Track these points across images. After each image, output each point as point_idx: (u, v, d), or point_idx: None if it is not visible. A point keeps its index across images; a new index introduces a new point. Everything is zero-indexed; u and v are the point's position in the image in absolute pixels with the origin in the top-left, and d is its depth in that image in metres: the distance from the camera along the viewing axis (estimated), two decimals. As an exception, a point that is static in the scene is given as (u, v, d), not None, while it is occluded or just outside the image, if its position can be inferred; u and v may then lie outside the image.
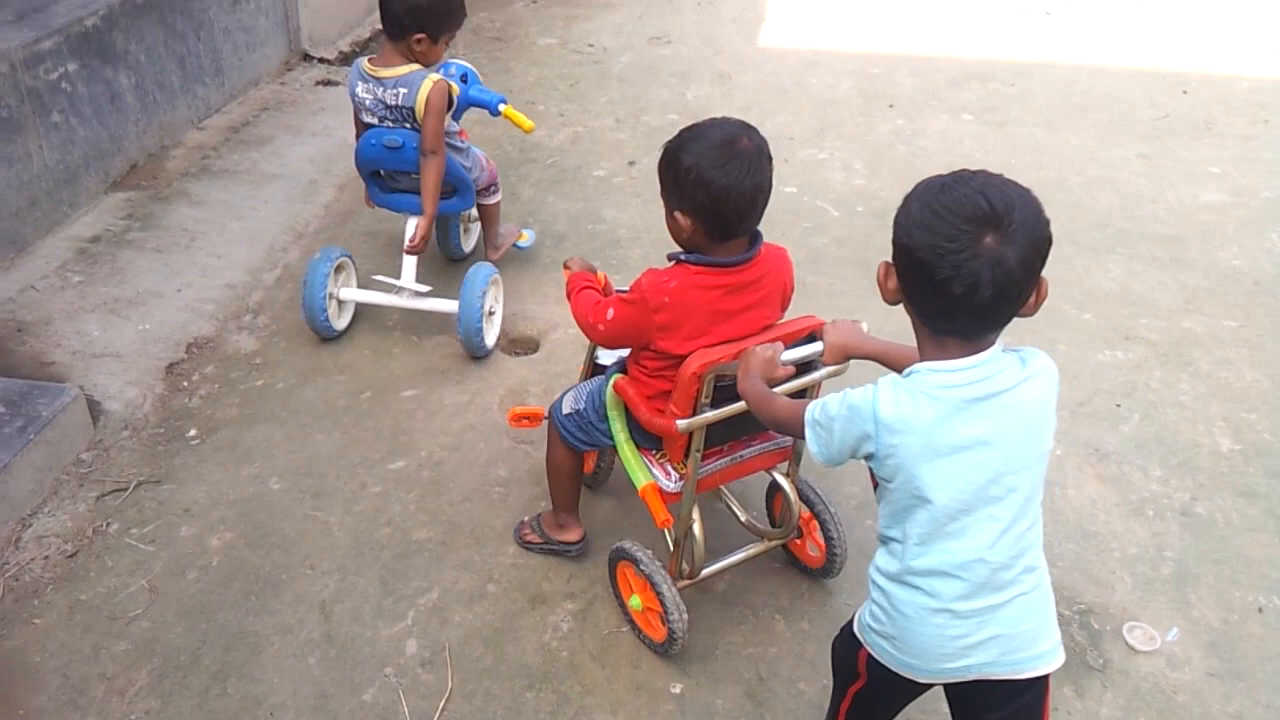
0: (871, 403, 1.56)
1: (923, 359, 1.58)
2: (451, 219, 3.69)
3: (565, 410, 2.44)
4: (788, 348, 2.06)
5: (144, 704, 2.21)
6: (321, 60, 5.42)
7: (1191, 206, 4.50)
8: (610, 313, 2.16)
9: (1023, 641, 1.64)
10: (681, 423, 2.08)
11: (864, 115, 5.23)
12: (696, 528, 2.29)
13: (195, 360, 3.25)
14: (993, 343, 1.55)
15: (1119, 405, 3.26)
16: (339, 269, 3.36)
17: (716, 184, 1.96)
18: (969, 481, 1.55)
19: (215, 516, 2.69)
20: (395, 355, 3.34)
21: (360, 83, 3.12)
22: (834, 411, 1.62)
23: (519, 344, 3.44)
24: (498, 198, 3.61)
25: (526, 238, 3.78)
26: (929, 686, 1.74)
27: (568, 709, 2.25)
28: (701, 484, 2.30)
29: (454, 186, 3.30)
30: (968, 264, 1.45)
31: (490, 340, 3.34)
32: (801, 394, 2.17)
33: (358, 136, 3.20)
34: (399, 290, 3.35)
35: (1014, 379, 1.55)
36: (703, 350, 2.05)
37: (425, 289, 3.35)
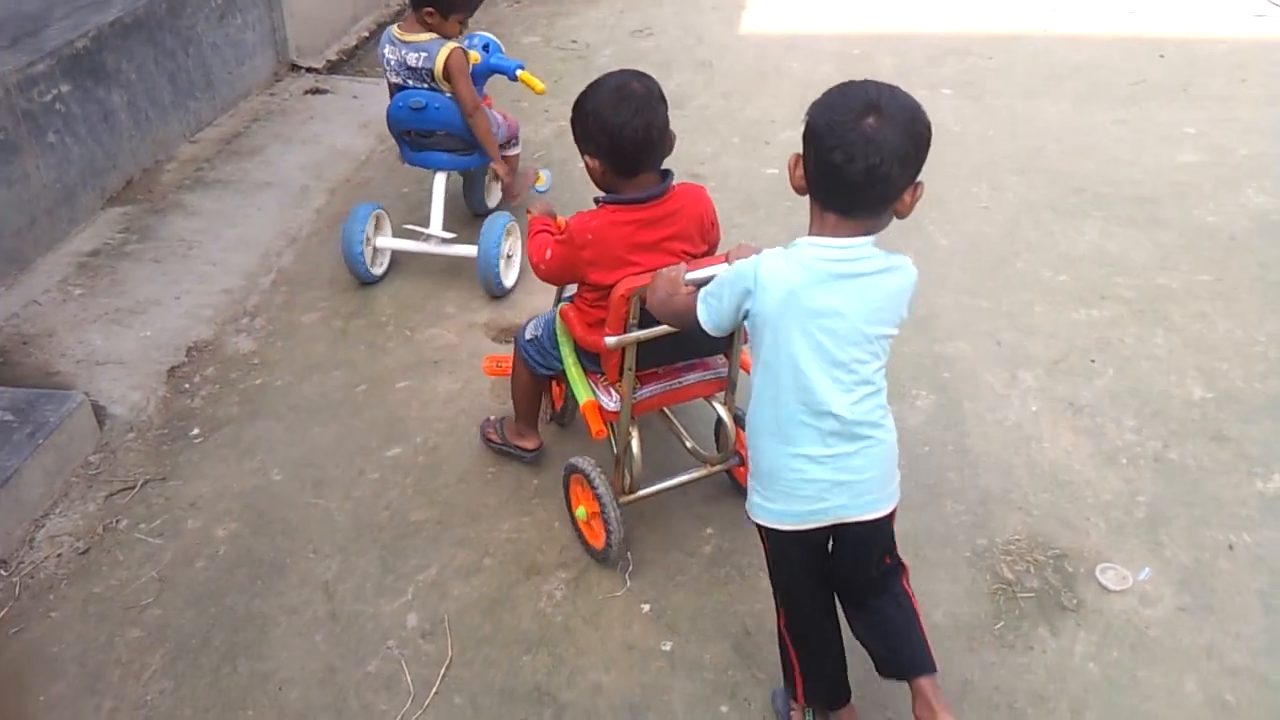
0: (754, 265, 1.85)
1: (809, 234, 1.85)
2: (476, 174, 4.03)
3: (527, 336, 2.73)
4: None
5: (158, 685, 2.32)
6: (309, 70, 5.53)
7: (1168, 167, 4.57)
8: (549, 253, 2.45)
9: (869, 485, 1.92)
10: (610, 339, 2.30)
11: (843, 95, 5.31)
12: (635, 444, 2.51)
13: (196, 363, 3.36)
14: (868, 233, 1.82)
15: (1093, 361, 3.34)
16: (375, 220, 3.77)
17: (611, 123, 2.25)
18: (822, 345, 1.82)
19: (220, 508, 2.80)
20: (389, 349, 3.45)
21: (389, 45, 3.53)
22: (723, 278, 1.92)
23: (508, 333, 3.54)
24: (517, 150, 3.97)
25: (543, 180, 3.96)
26: (816, 557, 2.04)
27: (563, 669, 2.35)
28: (640, 406, 2.52)
29: (473, 142, 3.63)
30: (848, 135, 1.74)
31: (509, 281, 3.73)
32: None
33: (391, 99, 3.62)
34: (427, 237, 3.75)
35: (875, 267, 1.83)
36: (630, 276, 2.25)
37: (450, 235, 3.75)
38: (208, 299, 3.62)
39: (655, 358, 2.48)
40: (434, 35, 3.45)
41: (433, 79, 3.48)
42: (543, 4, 6.91)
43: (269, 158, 4.57)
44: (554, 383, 2.91)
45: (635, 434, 2.52)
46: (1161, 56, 5.81)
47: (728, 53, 5.92)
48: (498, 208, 4.15)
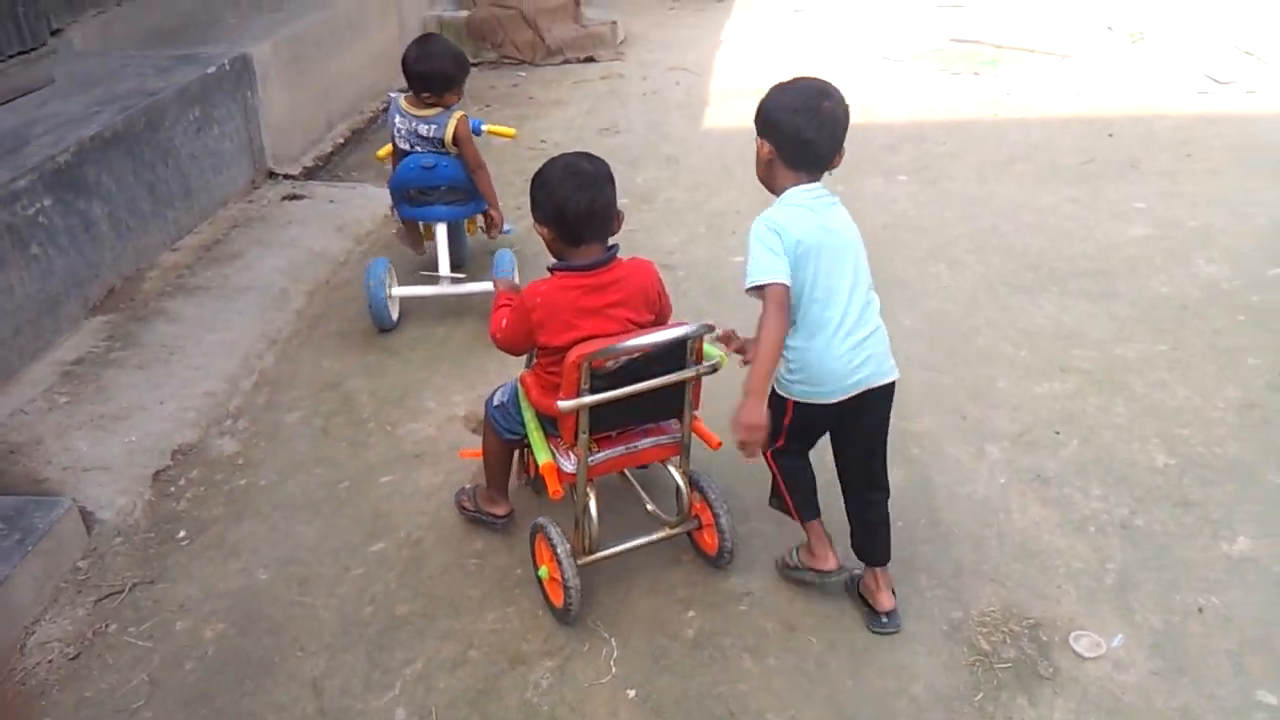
0: (766, 220, 2.47)
1: (790, 189, 2.50)
2: (461, 224, 4.44)
3: (494, 403, 2.90)
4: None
5: (149, 789, 2.33)
6: (286, 177, 5.66)
7: (1119, 242, 4.74)
8: (504, 321, 2.70)
9: (882, 357, 2.59)
10: (564, 403, 2.47)
11: (805, 184, 5.49)
12: (592, 506, 2.68)
13: (181, 466, 3.41)
14: (819, 180, 2.53)
15: (1058, 432, 3.45)
16: (388, 272, 4.24)
17: (557, 196, 2.53)
18: (830, 259, 2.47)
19: (208, 609, 2.83)
20: (370, 445, 3.51)
21: (399, 116, 4.05)
22: (755, 253, 2.46)
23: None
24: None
25: (507, 224, 4.46)
26: (829, 425, 2.68)
27: (550, 757, 2.38)
28: (597, 469, 2.68)
29: (469, 194, 4.16)
30: (817, 116, 2.43)
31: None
32: (680, 387, 2.62)
33: (395, 164, 4.12)
34: (439, 280, 4.19)
35: (834, 198, 2.54)
36: (582, 344, 2.43)
37: (461, 275, 4.24)
38: (191, 402, 3.68)
39: (610, 422, 2.63)
40: (439, 109, 4.00)
41: (442, 145, 4.01)
42: (512, 106, 7.12)
43: (249, 262, 4.67)
44: (525, 449, 3.00)
45: (593, 496, 2.68)
46: (1110, 135, 6.05)
47: (692, 148, 6.11)
48: (468, 260, 4.60)
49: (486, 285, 4.10)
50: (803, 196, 2.49)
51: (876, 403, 2.62)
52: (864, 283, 2.56)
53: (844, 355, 2.51)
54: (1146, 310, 4.17)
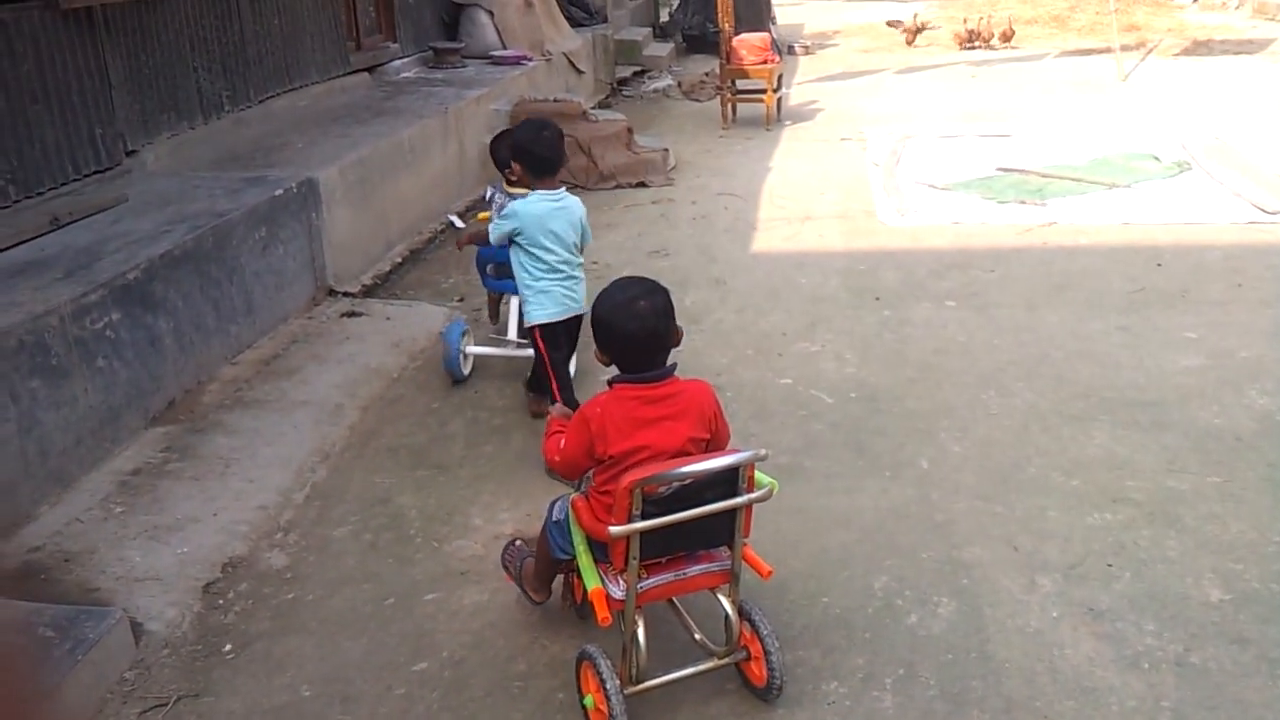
0: (513, 209, 3.94)
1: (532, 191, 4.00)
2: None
3: (554, 517, 2.93)
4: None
5: None
6: (346, 294, 5.82)
7: (1170, 371, 4.72)
8: (562, 443, 2.75)
9: (581, 297, 4.03)
10: (615, 529, 2.49)
11: (852, 309, 5.55)
12: (640, 634, 2.65)
13: (230, 579, 3.45)
14: (560, 187, 3.89)
15: (1110, 565, 3.39)
16: (464, 333, 4.82)
17: (619, 334, 2.68)
18: (557, 236, 3.92)
19: (250, 725, 2.84)
20: (417, 561, 3.54)
21: (499, 193, 4.64)
22: (498, 221, 4.04)
23: (532, 543, 3.62)
24: None
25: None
26: (560, 334, 4.09)
27: None
28: (646, 596, 2.66)
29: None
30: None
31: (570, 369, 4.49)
32: (731, 514, 2.64)
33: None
34: (505, 343, 4.78)
35: (565, 202, 3.99)
36: (635, 470, 2.46)
37: (524, 341, 4.57)
38: (243, 515, 3.74)
39: (660, 548, 2.63)
40: (529, 191, 4.15)
41: None
42: (565, 226, 7.29)
43: (306, 377, 4.78)
44: (573, 573, 2.99)
45: (641, 624, 2.66)
46: (1159, 265, 6.06)
47: (740, 271, 6.20)
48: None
49: None
50: (541, 198, 4.02)
51: (570, 330, 4.14)
52: (575, 248, 4.09)
53: (555, 288, 4.00)
54: (1199, 441, 4.12)
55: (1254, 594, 3.24)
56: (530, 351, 4.42)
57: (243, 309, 5.03)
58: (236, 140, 6.50)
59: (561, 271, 4.02)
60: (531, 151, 4.01)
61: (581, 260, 4.12)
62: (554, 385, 4.11)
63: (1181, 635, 3.06)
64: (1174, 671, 2.92)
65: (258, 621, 3.25)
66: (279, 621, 3.25)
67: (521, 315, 4.36)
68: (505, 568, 3.26)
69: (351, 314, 5.53)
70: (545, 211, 3.97)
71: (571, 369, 4.43)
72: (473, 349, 4.83)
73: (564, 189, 4.09)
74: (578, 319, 4.11)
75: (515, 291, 4.43)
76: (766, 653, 2.75)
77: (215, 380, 4.71)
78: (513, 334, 4.73)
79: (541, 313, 4.04)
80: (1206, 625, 3.10)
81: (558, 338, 4.12)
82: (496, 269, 4.67)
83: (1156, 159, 8.38)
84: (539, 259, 3.99)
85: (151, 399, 4.36)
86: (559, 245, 3.99)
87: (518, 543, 3.28)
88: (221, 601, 3.34)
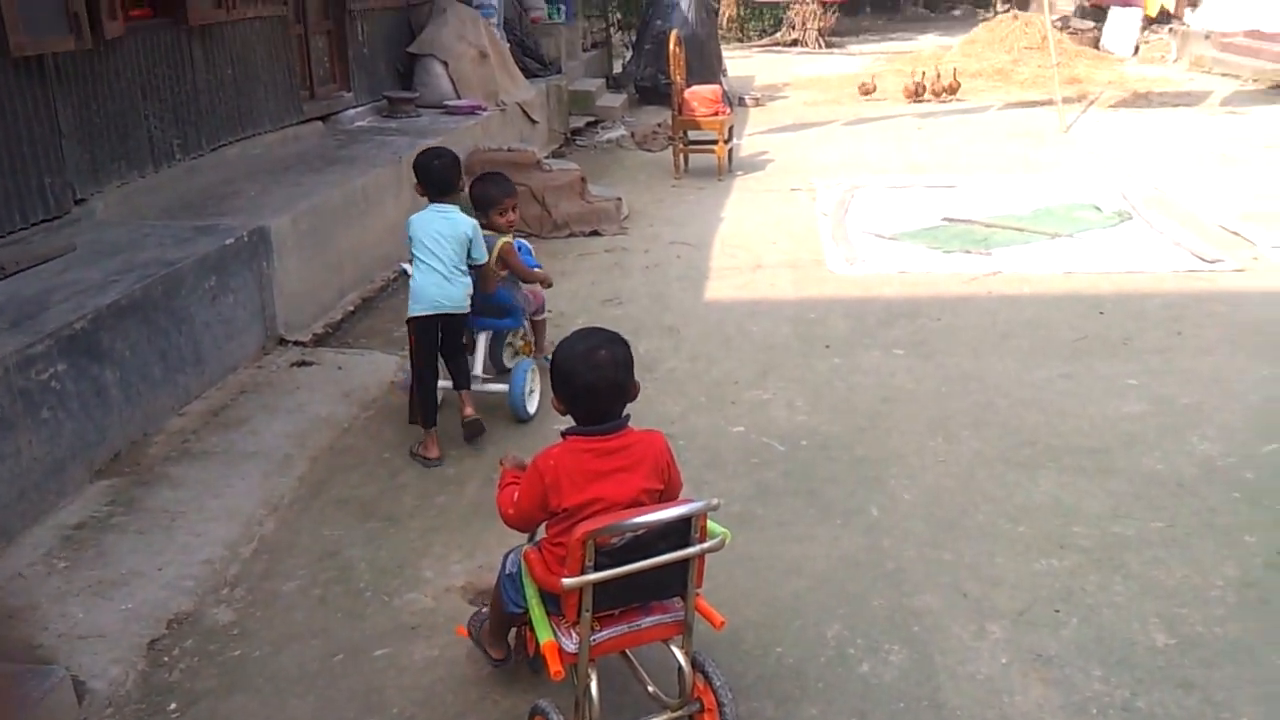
0: (410, 221, 4.59)
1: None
2: (504, 335, 5.30)
3: (506, 570, 2.92)
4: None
5: None
6: (296, 343, 5.79)
7: (1113, 418, 4.81)
8: (515, 495, 2.75)
9: (456, 296, 4.52)
10: (567, 580, 2.49)
11: (803, 356, 5.61)
12: (593, 687, 2.63)
13: (175, 635, 3.39)
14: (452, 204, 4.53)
15: (1058, 611, 3.43)
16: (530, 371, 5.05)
17: (578, 383, 2.67)
18: (439, 244, 4.47)
19: (194, 786, 2.78)
20: (367, 615, 3.50)
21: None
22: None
23: (485, 595, 3.60)
24: (543, 316, 5.41)
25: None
26: (432, 332, 4.55)
27: None
28: (599, 648, 2.65)
29: (508, 310, 5.02)
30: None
31: (531, 409, 4.96)
32: (683, 565, 2.64)
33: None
34: (473, 378, 4.88)
35: (452, 213, 4.52)
36: (587, 521, 2.47)
37: (489, 377, 5.02)
38: (189, 569, 3.69)
39: (613, 600, 2.63)
40: (489, 232, 4.76)
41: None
42: (518, 275, 7.32)
43: (254, 428, 4.74)
44: (526, 626, 2.97)
45: (594, 677, 2.65)
46: (1101, 313, 6.19)
47: (693, 319, 6.25)
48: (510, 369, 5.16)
49: (504, 386, 4.91)
50: (432, 211, 4.60)
51: (453, 323, 4.59)
52: (459, 256, 4.54)
53: (429, 285, 4.48)
54: (1143, 487, 4.20)
55: (1198, 638, 3.29)
56: (497, 387, 4.98)
57: (191, 359, 4.98)
58: (188, 189, 6.48)
59: (438, 273, 4.48)
60: (425, 176, 4.64)
61: (463, 268, 4.54)
62: (412, 390, 4.64)
63: (1128, 680, 3.10)
64: (1121, 717, 2.96)
65: (203, 679, 3.19)
66: (225, 679, 3.20)
67: (497, 355, 5.18)
68: (469, 633, 3.23)
69: (302, 363, 5.50)
70: (429, 220, 4.53)
71: (492, 387, 4.98)
72: (441, 383, 4.80)
73: (456, 209, 4.60)
74: (452, 319, 4.58)
75: (495, 329, 5.10)
76: (720, 704, 2.75)
77: (162, 432, 4.65)
78: (479, 369, 5.00)
79: (416, 307, 4.52)
80: (1153, 670, 3.15)
81: (430, 334, 4.56)
82: (480, 306, 4.85)
83: (1098, 209, 8.58)
84: (420, 260, 4.51)
85: (97, 451, 4.30)
86: (438, 249, 4.48)
87: (484, 610, 3.24)
88: (166, 659, 3.28)
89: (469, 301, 4.62)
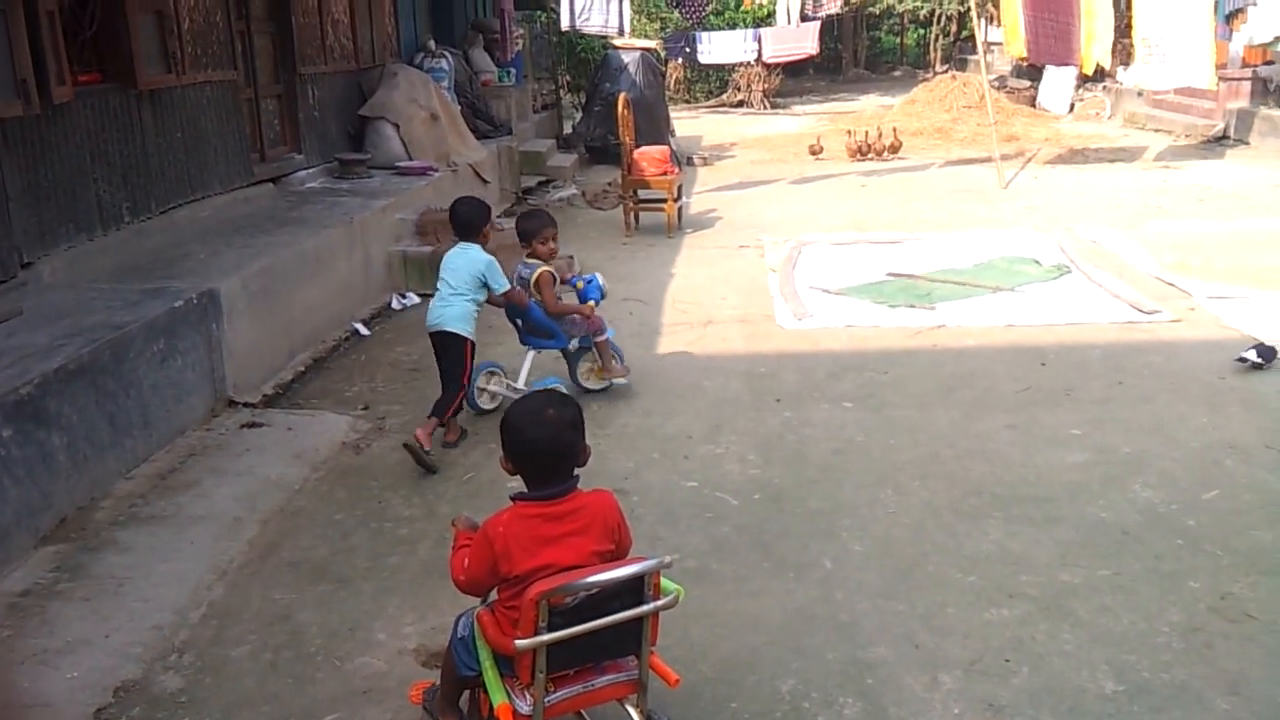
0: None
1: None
2: (573, 356, 5.95)
3: (458, 634, 2.90)
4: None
5: None
6: (246, 405, 5.75)
7: (1058, 467, 4.90)
8: (465, 561, 2.74)
9: (447, 317, 5.25)
10: (520, 642, 2.49)
11: (755, 410, 5.67)
12: None
13: (123, 703, 3.32)
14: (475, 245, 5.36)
15: (1008, 660, 3.48)
16: (491, 374, 5.78)
17: (523, 439, 2.69)
18: (449, 266, 5.31)
19: None
20: (318, 680, 3.46)
21: (523, 266, 5.64)
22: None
23: (438, 658, 3.57)
24: (603, 338, 5.78)
25: (622, 377, 5.93)
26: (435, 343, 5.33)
27: None
28: (554, 709, 2.65)
29: (551, 333, 5.70)
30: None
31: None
32: (638, 623, 2.65)
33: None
34: (514, 389, 5.65)
35: (471, 249, 5.34)
36: (541, 582, 2.47)
37: (518, 389, 5.64)
38: (137, 636, 3.63)
39: (567, 660, 2.65)
40: (535, 260, 5.58)
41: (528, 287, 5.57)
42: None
43: (203, 491, 4.69)
44: (480, 689, 2.95)
45: None
46: (1043, 364, 6.32)
47: (645, 374, 6.29)
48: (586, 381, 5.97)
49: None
50: (455, 250, 5.44)
51: (443, 344, 5.28)
52: (462, 286, 5.30)
53: (436, 306, 5.32)
54: (1088, 535, 4.28)
55: (1146, 684, 3.34)
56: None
57: (139, 422, 4.93)
58: (137, 251, 6.45)
59: (441, 296, 5.29)
60: (454, 219, 5.43)
61: (466, 294, 5.26)
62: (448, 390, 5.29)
63: (1078, 727, 3.14)
64: (1072, 764, 2.99)
65: (151, 749, 3.14)
66: (174, 748, 3.14)
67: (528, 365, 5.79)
68: (424, 705, 3.20)
69: (252, 425, 5.46)
70: (452, 254, 5.37)
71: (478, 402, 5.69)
72: (494, 385, 5.76)
73: (477, 248, 5.34)
74: (444, 335, 5.27)
75: (541, 348, 5.76)
76: None
77: (109, 496, 4.59)
78: (522, 381, 5.67)
79: (427, 320, 5.37)
80: (1102, 717, 3.19)
81: (435, 347, 5.35)
82: (526, 326, 5.72)
83: (1037, 262, 8.78)
84: (437, 286, 5.36)
85: (42, 517, 4.23)
86: (449, 276, 5.29)
87: (433, 684, 3.21)
88: (113, 729, 3.22)
89: (463, 325, 5.28)
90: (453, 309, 5.25)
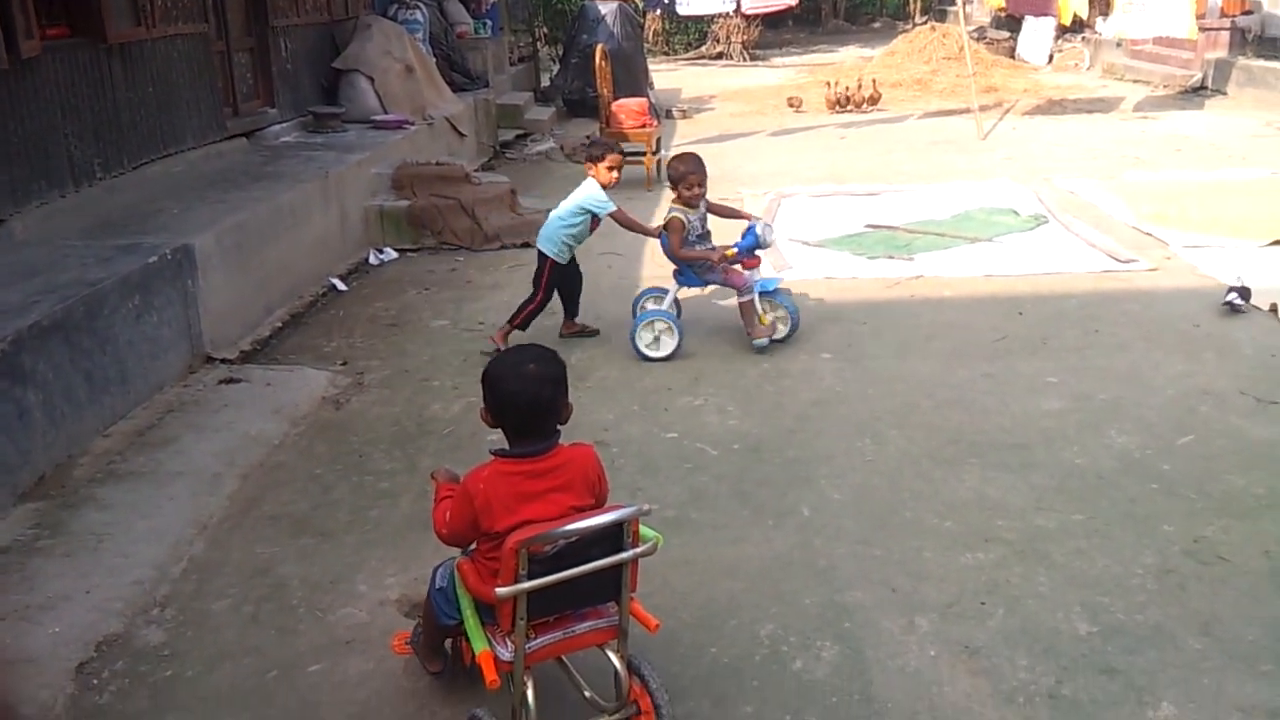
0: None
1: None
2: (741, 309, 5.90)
3: (436, 585, 2.92)
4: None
5: None
6: (224, 361, 5.72)
7: (1034, 415, 4.94)
8: (447, 515, 2.74)
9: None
10: (501, 590, 2.50)
11: (734, 362, 5.68)
12: (530, 695, 2.65)
13: (105, 658, 3.33)
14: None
15: (984, 603, 3.52)
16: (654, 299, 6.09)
17: (502, 392, 2.67)
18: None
19: (127, 809, 2.74)
20: (300, 632, 3.47)
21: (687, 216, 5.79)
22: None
23: (420, 609, 3.59)
24: (746, 298, 5.77)
25: (762, 338, 5.78)
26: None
27: None
28: (535, 656, 2.68)
29: (683, 271, 5.93)
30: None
31: (646, 351, 5.78)
32: (617, 570, 2.66)
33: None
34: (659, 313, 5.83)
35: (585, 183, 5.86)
36: (520, 530, 2.47)
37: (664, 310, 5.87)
38: (118, 591, 3.63)
39: (548, 607, 2.66)
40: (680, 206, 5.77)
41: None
42: (451, 289, 7.31)
43: (182, 447, 4.68)
44: (462, 636, 2.97)
45: (530, 684, 2.67)
46: (1020, 314, 6.35)
47: (625, 328, 6.26)
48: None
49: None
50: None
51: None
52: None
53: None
54: (1063, 480, 4.32)
55: (1120, 625, 3.39)
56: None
57: (116, 379, 4.90)
58: (110, 207, 6.37)
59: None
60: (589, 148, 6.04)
61: (561, 216, 5.86)
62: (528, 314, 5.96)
63: (1053, 668, 3.19)
64: (1048, 704, 3.04)
65: (134, 701, 3.15)
66: (156, 700, 3.16)
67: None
68: (409, 644, 3.23)
69: (230, 381, 5.44)
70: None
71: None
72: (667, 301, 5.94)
73: (594, 182, 5.83)
74: (538, 252, 5.96)
75: (681, 285, 5.96)
76: (656, 707, 2.78)
77: (87, 453, 4.58)
78: (664, 306, 5.92)
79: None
80: (1077, 658, 3.24)
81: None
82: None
83: (1015, 213, 8.79)
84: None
85: (20, 475, 4.21)
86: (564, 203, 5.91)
87: (417, 625, 3.22)
88: (96, 682, 3.23)
89: (546, 243, 5.90)
90: (546, 228, 5.90)
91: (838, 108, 15.15)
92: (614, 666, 2.79)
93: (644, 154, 10.43)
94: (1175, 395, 5.12)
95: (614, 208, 5.86)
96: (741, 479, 4.41)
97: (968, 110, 13.62)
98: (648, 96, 12.50)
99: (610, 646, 2.79)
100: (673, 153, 6.64)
